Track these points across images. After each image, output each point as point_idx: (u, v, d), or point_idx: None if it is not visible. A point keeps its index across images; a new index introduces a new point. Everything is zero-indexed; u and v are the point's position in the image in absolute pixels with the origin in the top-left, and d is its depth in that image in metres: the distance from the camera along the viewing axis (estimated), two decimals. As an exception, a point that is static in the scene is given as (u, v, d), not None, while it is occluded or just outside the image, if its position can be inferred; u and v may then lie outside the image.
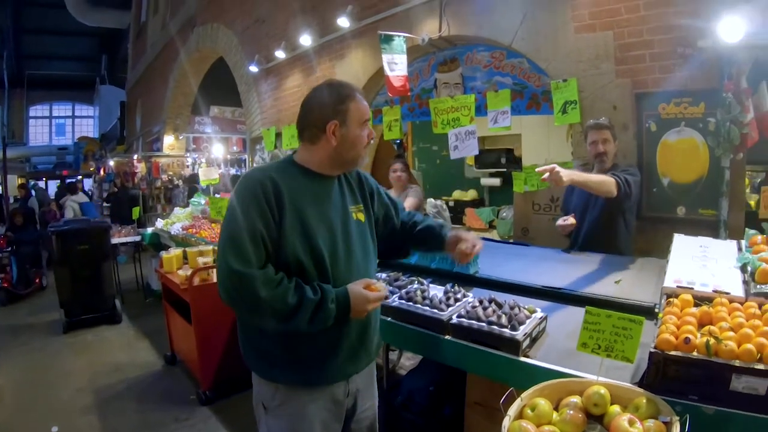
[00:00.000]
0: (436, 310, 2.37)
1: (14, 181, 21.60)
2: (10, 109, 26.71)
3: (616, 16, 3.93)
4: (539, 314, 2.23)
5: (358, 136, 1.94)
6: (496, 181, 8.13)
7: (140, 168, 14.04)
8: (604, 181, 2.99)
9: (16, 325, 6.97)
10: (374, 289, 1.88)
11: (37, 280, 8.83)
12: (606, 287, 2.55)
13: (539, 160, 7.14)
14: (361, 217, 2.11)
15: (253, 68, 8.20)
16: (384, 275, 2.96)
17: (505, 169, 7.88)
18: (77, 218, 8.89)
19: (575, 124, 4.26)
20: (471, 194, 8.39)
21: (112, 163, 15.83)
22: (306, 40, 6.79)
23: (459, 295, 2.54)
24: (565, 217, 3.46)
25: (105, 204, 14.29)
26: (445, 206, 7.14)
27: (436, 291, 2.67)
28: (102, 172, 17.17)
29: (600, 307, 1.75)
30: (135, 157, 14.55)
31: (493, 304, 2.32)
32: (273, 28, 8.02)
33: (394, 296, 2.63)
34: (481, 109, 4.82)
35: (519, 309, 2.22)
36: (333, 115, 1.90)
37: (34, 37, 25.46)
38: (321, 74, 6.99)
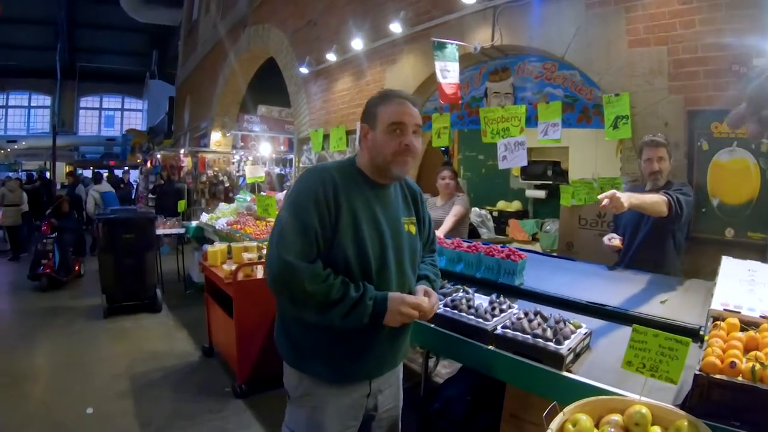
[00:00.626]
0: (480, 320, 2.39)
1: (62, 168, 22.28)
2: (61, 100, 27.67)
3: (671, 31, 3.86)
4: (584, 330, 2.24)
5: (384, 141, 1.92)
6: (541, 194, 8.16)
7: (186, 162, 14.19)
8: (656, 201, 2.97)
9: (57, 307, 7.16)
10: (411, 304, 1.89)
11: (76, 267, 9.00)
12: (652, 307, 2.54)
13: (586, 174, 7.04)
14: (413, 229, 2.11)
15: (304, 69, 8.28)
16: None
17: (551, 182, 7.91)
18: (124, 207, 9.09)
19: (625, 139, 4.21)
20: (515, 205, 8.41)
21: (159, 155, 16.09)
22: (357, 43, 6.84)
23: (504, 306, 2.56)
24: (611, 236, 3.46)
25: (150, 195, 14.54)
26: (489, 216, 7.15)
27: (481, 300, 2.68)
28: (149, 165, 17.47)
29: (645, 326, 1.75)
30: (182, 151, 14.71)
31: (538, 317, 2.33)
32: (324, 31, 8.08)
33: (439, 303, 2.63)
34: (531, 120, 4.80)
35: (564, 323, 2.23)
36: (366, 118, 1.98)
37: (87, 30, 26.15)
38: (371, 78, 7.05)
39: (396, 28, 6.10)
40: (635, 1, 4.08)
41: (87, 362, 5.15)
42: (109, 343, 5.78)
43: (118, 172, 20.30)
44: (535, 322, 2.27)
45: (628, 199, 2.69)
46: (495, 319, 2.39)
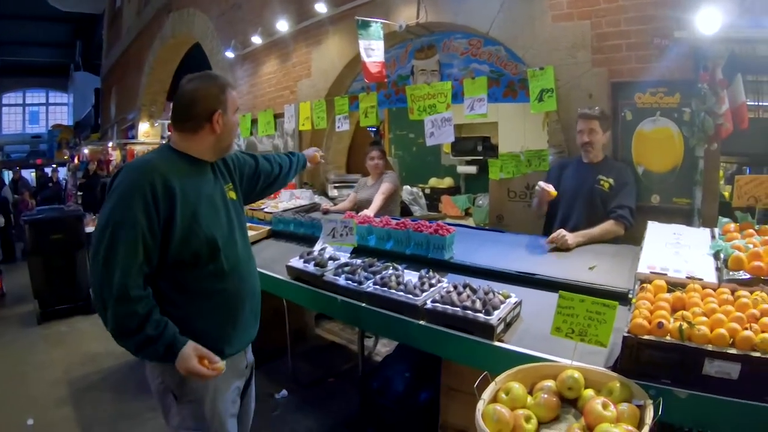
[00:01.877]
0: (410, 295, 2.38)
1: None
2: None
3: (594, 5, 3.89)
4: (513, 299, 2.24)
5: (236, 123, 2.12)
6: (472, 169, 8.21)
7: (115, 156, 13.87)
8: (609, 231, 3.14)
9: (-13, 317, 6.85)
10: (205, 364, 1.85)
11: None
12: (581, 273, 2.55)
13: (515, 148, 7.11)
14: (233, 195, 2.23)
15: (230, 54, 8.06)
16: (359, 261, 2.95)
17: (481, 157, 7.94)
18: (51, 207, 8.71)
19: (551, 112, 4.26)
20: (447, 182, 8.48)
21: (86, 151, 15.57)
22: (283, 25, 6.66)
23: (434, 281, 2.55)
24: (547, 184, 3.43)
25: (78, 193, 14.04)
26: (421, 194, 7.16)
27: (411, 276, 2.66)
28: (76, 161, 16.88)
29: (574, 293, 1.75)
30: (110, 144, 14.36)
31: (467, 290, 2.33)
32: (249, 13, 7.89)
33: (369, 282, 2.63)
34: (457, 97, 4.77)
35: (493, 294, 2.22)
36: (217, 104, 1.99)
37: (8, 22, 24.72)
38: (297, 60, 6.91)
39: (321, 8, 5.96)
40: None
41: (24, 371, 5.01)
42: (45, 349, 5.63)
43: (48, 170, 19.50)
44: (464, 295, 2.27)
45: (574, 238, 2.92)
46: (424, 294, 2.38)
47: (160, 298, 1.88)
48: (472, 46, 5.07)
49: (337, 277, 2.79)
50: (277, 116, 7.02)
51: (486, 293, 2.23)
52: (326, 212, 4.62)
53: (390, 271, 2.72)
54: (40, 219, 6.59)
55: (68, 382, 4.64)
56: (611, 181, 3.34)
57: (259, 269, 2.36)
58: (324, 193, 6.26)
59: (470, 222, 7.28)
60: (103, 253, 1.78)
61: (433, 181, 8.38)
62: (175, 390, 1.97)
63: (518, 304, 2.24)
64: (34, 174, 20.28)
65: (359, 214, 3.96)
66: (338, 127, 5.67)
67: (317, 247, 3.35)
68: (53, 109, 30.99)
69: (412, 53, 5.66)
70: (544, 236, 3.25)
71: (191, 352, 1.83)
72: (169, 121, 12.64)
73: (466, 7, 4.78)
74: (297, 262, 3.09)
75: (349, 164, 7.23)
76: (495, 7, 4.53)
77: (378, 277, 2.65)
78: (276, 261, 3.43)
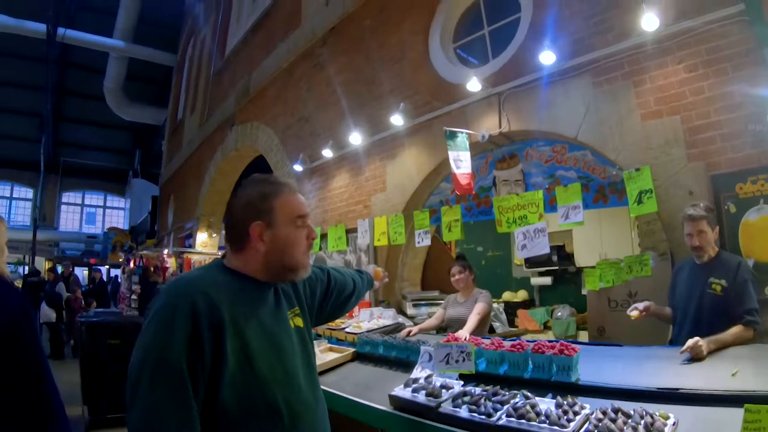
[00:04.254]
0: (556, 427, 2.10)
1: (42, 264, 21.77)
2: (43, 193, 27.08)
3: (681, 99, 3.91)
4: (672, 420, 2.05)
5: (291, 236, 1.71)
6: (546, 280, 8.10)
7: (171, 263, 13.84)
8: (740, 336, 2.97)
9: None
10: None
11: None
12: (726, 382, 2.33)
13: (593, 255, 7.06)
14: (299, 321, 1.85)
15: (298, 167, 8.08)
16: (478, 390, 2.67)
17: (557, 267, 7.81)
18: (108, 310, 8.63)
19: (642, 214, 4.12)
20: (521, 295, 8.32)
21: (143, 255, 15.77)
22: (355, 138, 6.70)
23: (576, 408, 2.27)
24: (636, 305, 3.34)
25: (133, 297, 14.06)
26: (501, 309, 6.84)
27: (544, 404, 2.40)
28: (132, 264, 17.07)
29: (726, 404, 1.77)
30: (165, 251, 14.43)
31: (620, 415, 2.11)
32: (318, 126, 8.00)
33: (499, 413, 2.34)
34: (544, 205, 4.64)
35: (652, 417, 2.04)
36: (256, 215, 1.67)
37: (72, 125, 25.99)
38: (370, 174, 6.90)
39: (396, 120, 6.00)
40: (642, 75, 4.18)
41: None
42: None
43: (102, 269, 19.81)
44: (620, 422, 2.05)
45: (707, 344, 2.74)
46: (572, 424, 2.12)
47: None
48: (556, 152, 5.03)
49: (456, 409, 2.48)
50: (349, 231, 6.86)
51: (641, 416, 2.03)
52: (409, 334, 4.29)
53: (520, 399, 2.45)
54: (97, 322, 6.46)
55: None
56: (723, 282, 3.18)
57: (351, 397, 2.13)
58: (401, 311, 5.97)
59: (550, 335, 6.99)
60: (140, 407, 1.40)
61: (507, 295, 8.12)
62: None
63: (675, 424, 2.04)
64: (86, 272, 20.42)
65: (451, 334, 3.75)
66: (418, 242, 5.44)
67: (419, 373, 3.07)
68: (110, 212, 31.57)
69: (492, 164, 5.66)
70: (666, 346, 3.14)
71: None
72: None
73: (550, 113, 4.78)
74: (403, 392, 2.78)
75: (423, 280, 7.01)
76: (581, 111, 4.52)
77: (509, 407, 2.37)
78: (370, 388, 3.17)
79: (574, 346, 2.79)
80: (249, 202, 1.69)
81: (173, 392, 1.39)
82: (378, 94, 6.80)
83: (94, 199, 31.42)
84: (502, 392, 2.57)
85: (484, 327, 4.58)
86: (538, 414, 2.23)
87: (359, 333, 4.24)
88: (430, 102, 5.95)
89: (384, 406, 2.80)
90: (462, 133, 4.87)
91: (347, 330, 4.47)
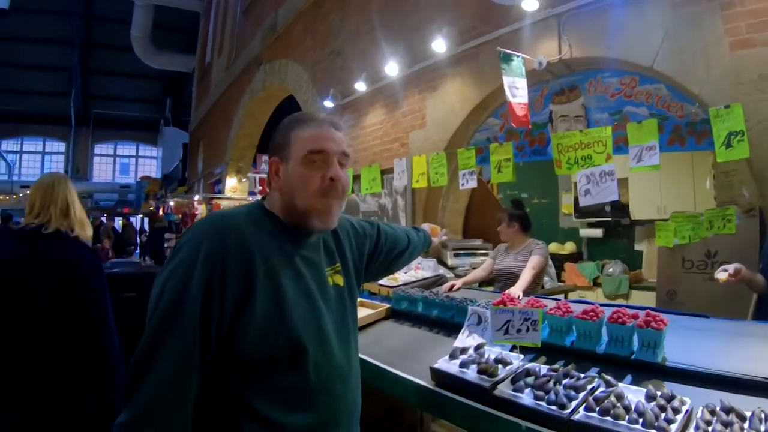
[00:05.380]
0: (653, 431, 1.51)
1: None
2: (75, 146, 27.91)
3: None
4: None
5: (300, 174, 1.42)
6: (597, 232, 7.49)
7: (201, 209, 13.66)
8: None
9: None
10: None
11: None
12: None
13: (652, 209, 6.60)
14: (339, 279, 1.61)
15: (328, 103, 7.45)
16: (544, 368, 2.03)
17: (609, 219, 7.23)
18: (125, 260, 8.31)
19: (722, 162, 3.51)
20: (569, 247, 7.79)
21: (172, 203, 15.66)
22: (392, 69, 6.02)
23: (676, 403, 1.64)
24: (723, 267, 2.75)
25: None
26: (550, 262, 6.28)
27: (630, 392, 1.77)
28: (161, 212, 16.95)
29: None
30: (195, 198, 14.22)
31: (733, 416, 1.51)
32: (351, 59, 7.37)
33: (574, 403, 1.73)
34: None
35: None
36: (276, 150, 1.49)
37: (101, 77, 26.15)
38: (408, 108, 6.25)
39: (439, 46, 5.30)
40: None
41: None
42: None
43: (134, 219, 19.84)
44: (736, 426, 1.45)
45: None
46: (674, 425, 1.52)
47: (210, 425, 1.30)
48: (624, 85, 4.37)
49: (517, 393, 1.85)
50: (384, 172, 6.24)
51: (761, 420, 1.45)
52: (452, 289, 3.75)
53: (599, 385, 1.84)
54: (111, 273, 5.94)
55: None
56: None
57: (384, 366, 1.97)
58: (441, 261, 5.39)
59: (598, 293, 6.51)
60: (148, 341, 1.24)
61: (554, 247, 7.54)
62: None
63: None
64: (121, 222, 20.51)
65: (505, 292, 3.19)
66: (462, 184, 4.78)
67: (466, 339, 2.47)
68: (142, 162, 31.91)
69: (548, 97, 4.97)
70: (765, 321, 2.57)
71: None
72: (261, 175, 12.55)
73: (621, 38, 4.09)
74: (448, 365, 2.14)
75: (465, 227, 6.43)
76: (658, 36, 3.86)
77: (587, 395, 1.76)
78: (407, 355, 2.54)
79: (663, 317, 2.17)
80: (274, 137, 1.51)
81: (178, 339, 1.23)
82: (417, 22, 6.11)
83: (126, 149, 31.85)
84: (576, 373, 1.94)
85: (539, 283, 4.20)
86: (627, 409, 1.64)
87: (395, 286, 3.62)
88: (477, 27, 5.24)
89: (424, 381, 2.19)
90: (518, 56, 4.19)
91: (381, 282, 3.84)
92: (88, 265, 2.54)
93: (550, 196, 8.34)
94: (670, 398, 1.67)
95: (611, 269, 6.64)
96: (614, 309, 2.32)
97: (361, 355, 2.43)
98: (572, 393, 1.78)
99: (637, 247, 6.99)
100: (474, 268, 4.86)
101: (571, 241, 7.78)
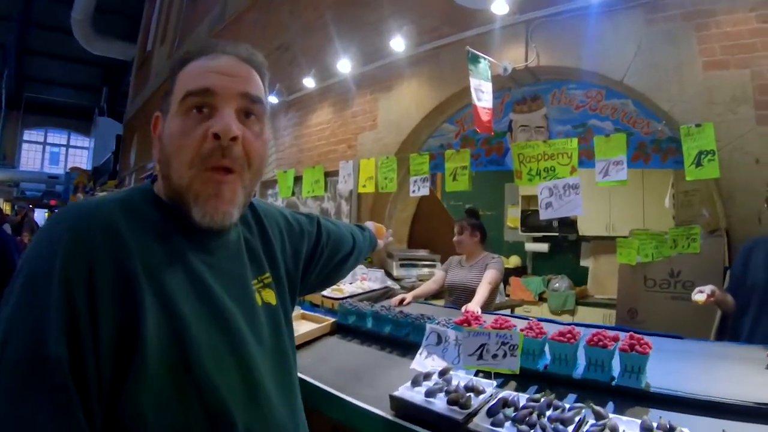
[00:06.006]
0: None
1: (-1, 204, 21.37)
2: (4, 130, 26.56)
3: (752, 51, 3.34)
4: None
5: (172, 133, 0.96)
6: (543, 247, 7.48)
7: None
8: None
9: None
10: None
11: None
12: None
13: (600, 226, 6.63)
14: (270, 296, 1.12)
15: (273, 99, 7.03)
16: (523, 397, 1.78)
17: (556, 234, 7.23)
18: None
19: (682, 181, 3.63)
20: (514, 261, 7.72)
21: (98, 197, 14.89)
22: (344, 66, 5.72)
23: None
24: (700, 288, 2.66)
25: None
26: (500, 276, 6.11)
27: (623, 425, 1.57)
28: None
29: None
30: (124, 193, 13.54)
31: None
32: (301, 55, 7.06)
33: None
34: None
35: None
36: (161, 101, 1.04)
37: (37, 58, 24.96)
38: (359, 108, 5.97)
39: (398, 45, 5.03)
40: (706, 18, 3.52)
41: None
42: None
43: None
44: None
45: None
46: None
47: None
48: (590, 98, 4.24)
49: (496, 429, 1.59)
50: (329, 174, 5.86)
51: None
52: (402, 302, 3.49)
53: (587, 417, 1.62)
54: None
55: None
56: None
57: (332, 390, 1.80)
58: (386, 272, 5.05)
59: (544, 309, 6.55)
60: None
61: (499, 261, 7.39)
62: None
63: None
64: (46, 214, 19.56)
65: (467, 310, 3.11)
66: (414, 191, 4.45)
67: (425, 361, 2.17)
68: (73, 152, 30.82)
69: (509, 105, 4.77)
70: (741, 343, 2.57)
71: None
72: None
73: (592, 50, 3.99)
74: (411, 393, 1.85)
75: (411, 237, 6.16)
76: (631, 51, 3.81)
77: (576, 429, 1.54)
78: (360, 377, 2.24)
79: (646, 340, 2.01)
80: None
81: (50, 404, 0.72)
82: (375, 18, 5.84)
83: (57, 137, 30.64)
84: (560, 404, 1.70)
85: (494, 299, 4.00)
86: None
87: (341, 298, 3.32)
88: (439, 28, 5.02)
89: (382, 411, 1.87)
90: (485, 59, 3.97)
91: (325, 293, 3.49)
92: None
93: (495, 208, 8.27)
94: (669, 429, 1.51)
95: (557, 284, 6.60)
96: (594, 331, 2.17)
97: (303, 376, 2.06)
98: (560, 427, 1.57)
99: (582, 263, 6.99)
100: (421, 280, 4.72)
101: (516, 255, 7.72)
